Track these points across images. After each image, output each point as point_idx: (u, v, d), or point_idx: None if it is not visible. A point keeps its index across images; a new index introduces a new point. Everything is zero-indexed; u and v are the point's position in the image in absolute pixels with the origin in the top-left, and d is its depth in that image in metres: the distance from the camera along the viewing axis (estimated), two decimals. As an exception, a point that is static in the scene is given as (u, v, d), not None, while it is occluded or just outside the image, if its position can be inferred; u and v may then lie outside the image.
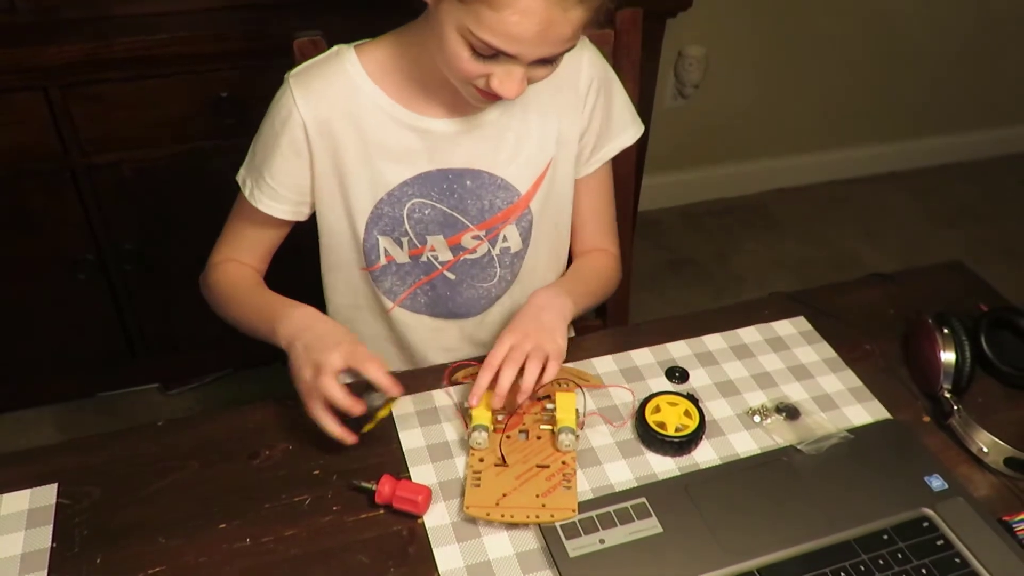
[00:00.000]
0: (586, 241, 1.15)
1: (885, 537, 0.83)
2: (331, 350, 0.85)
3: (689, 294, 2.35)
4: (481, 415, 0.90)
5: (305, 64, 0.98)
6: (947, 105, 2.78)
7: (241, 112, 1.56)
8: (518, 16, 0.79)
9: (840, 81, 2.59)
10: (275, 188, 1.00)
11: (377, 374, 0.86)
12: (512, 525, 0.83)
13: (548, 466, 0.88)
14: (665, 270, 2.44)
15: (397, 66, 0.97)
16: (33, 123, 1.48)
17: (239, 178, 1.03)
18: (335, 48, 0.99)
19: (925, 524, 0.85)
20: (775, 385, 1.01)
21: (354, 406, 0.85)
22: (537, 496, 0.85)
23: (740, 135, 2.60)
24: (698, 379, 1.01)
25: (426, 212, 1.02)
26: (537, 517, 0.83)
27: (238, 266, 1.06)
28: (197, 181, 1.60)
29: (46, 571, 0.78)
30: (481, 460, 0.88)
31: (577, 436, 0.90)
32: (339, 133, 0.97)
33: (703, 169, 2.65)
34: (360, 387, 0.88)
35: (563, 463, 0.89)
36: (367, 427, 0.88)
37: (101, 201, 1.61)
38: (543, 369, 0.91)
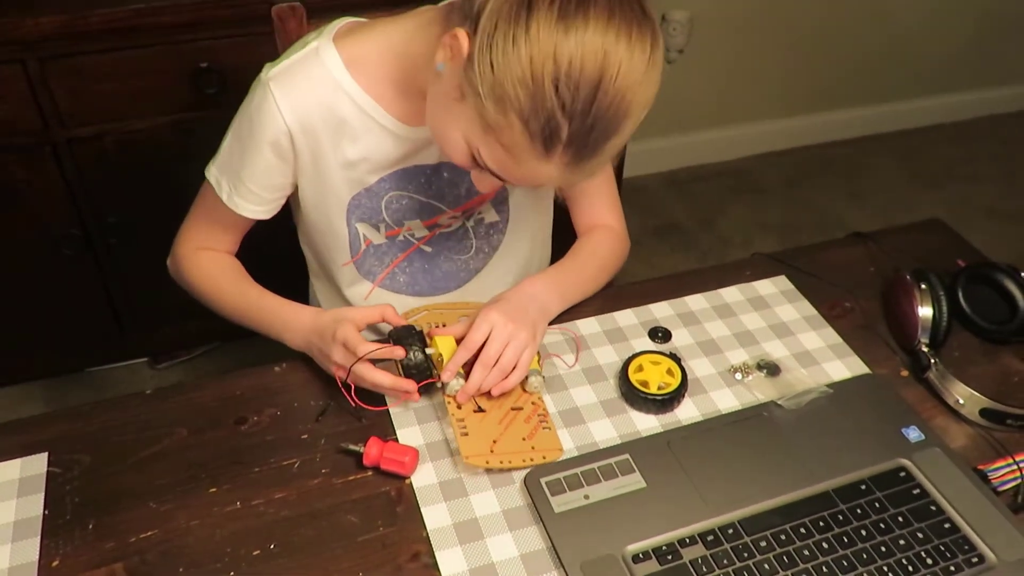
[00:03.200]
0: (585, 214, 1.13)
1: (863, 487, 0.85)
2: (339, 341, 0.89)
3: (675, 260, 2.36)
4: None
5: (285, 64, 0.92)
6: (930, 68, 2.78)
7: (222, 82, 1.55)
8: (532, 175, 0.80)
9: (823, 45, 2.58)
10: (256, 192, 0.98)
11: (396, 321, 0.92)
12: (499, 482, 0.85)
13: (522, 408, 0.92)
14: (651, 236, 2.45)
15: (384, 73, 0.92)
16: (11, 97, 1.46)
17: (211, 178, 0.99)
18: (313, 44, 0.93)
19: (902, 474, 0.87)
20: (756, 343, 1.02)
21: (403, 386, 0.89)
22: (524, 439, 0.88)
23: (725, 100, 2.60)
24: (681, 339, 1.03)
25: (403, 203, 1.02)
26: (531, 460, 0.86)
27: (214, 255, 1.05)
28: (180, 153, 1.58)
29: (39, 538, 0.80)
30: (459, 407, 0.91)
31: (544, 377, 0.94)
32: (321, 135, 0.94)
33: (688, 135, 2.65)
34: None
35: (533, 404, 0.92)
36: (438, 375, 0.91)
37: (84, 175, 1.60)
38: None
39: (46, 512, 0.82)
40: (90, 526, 0.81)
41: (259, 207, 0.99)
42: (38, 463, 0.86)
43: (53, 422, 0.91)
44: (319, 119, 0.93)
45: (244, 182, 0.97)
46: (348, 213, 1.01)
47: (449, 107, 0.81)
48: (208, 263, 1.05)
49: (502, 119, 0.75)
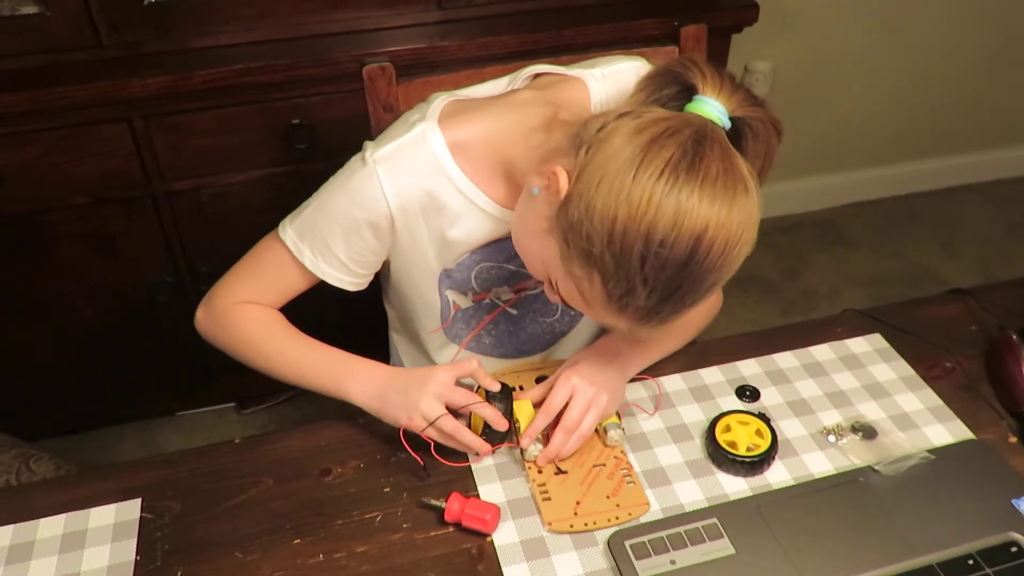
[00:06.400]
0: None
1: (971, 562, 0.80)
2: (430, 392, 0.89)
3: (758, 311, 2.31)
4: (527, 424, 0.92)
5: (392, 148, 0.90)
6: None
7: (311, 137, 1.61)
8: (599, 319, 0.79)
9: (909, 93, 2.52)
10: (347, 264, 0.96)
11: (483, 379, 0.91)
12: (582, 543, 0.83)
13: (604, 464, 0.91)
14: (733, 287, 2.38)
15: (486, 160, 0.92)
16: (118, 153, 1.55)
17: (288, 241, 0.96)
18: (420, 128, 0.90)
19: (1014, 549, 0.81)
20: (850, 404, 0.98)
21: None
22: (608, 497, 0.87)
23: (808, 149, 2.55)
24: (769, 398, 1.00)
25: (493, 272, 1.02)
26: (617, 519, 0.85)
27: (259, 307, 1.01)
28: (270, 205, 1.64)
29: (130, 583, 0.82)
30: (540, 472, 0.90)
31: (623, 430, 0.93)
32: (420, 217, 0.94)
33: (770, 184, 2.56)
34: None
35: (615, 458, 0.91)
36: (520, 433, 0.91)
37: (180, 226, 1.67)
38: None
39: (138, 558, 0.84)
40: (178, 574, 0.82)
41: (346, 277, 0.97)
42: (132, 508, 0.88)
43: (146, 468, 0.94)
44: (419, 203, 0.92)
45: (335, 253, 0.95)
46: (439, 284, 1.02)
47: (536, 232, 0.80)
48: (257, 313, 1.00)
49: (584, 272, 0.75)
